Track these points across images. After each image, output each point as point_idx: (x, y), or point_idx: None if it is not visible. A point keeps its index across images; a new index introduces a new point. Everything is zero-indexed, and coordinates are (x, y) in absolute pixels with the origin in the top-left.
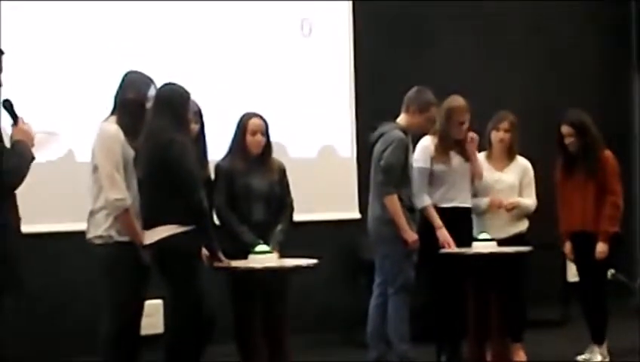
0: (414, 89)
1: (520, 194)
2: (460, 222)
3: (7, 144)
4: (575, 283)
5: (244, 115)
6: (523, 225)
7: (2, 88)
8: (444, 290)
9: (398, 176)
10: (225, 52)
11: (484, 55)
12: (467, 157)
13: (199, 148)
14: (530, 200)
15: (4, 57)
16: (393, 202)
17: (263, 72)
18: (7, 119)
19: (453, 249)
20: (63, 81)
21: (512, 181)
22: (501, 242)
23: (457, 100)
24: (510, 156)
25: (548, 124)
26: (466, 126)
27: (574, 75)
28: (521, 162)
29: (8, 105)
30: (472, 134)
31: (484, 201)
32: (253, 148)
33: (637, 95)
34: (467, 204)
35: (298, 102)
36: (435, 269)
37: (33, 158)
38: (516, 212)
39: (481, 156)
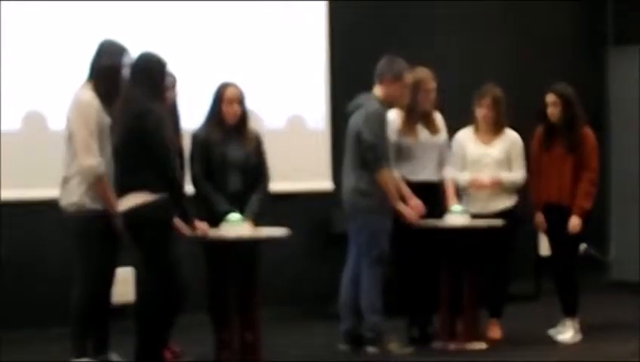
0: (384, 59)
1: (509, 168)
2: (429, 195)
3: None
4: (548, 258)
5: (220, 85)
6: (510, 201)
7: None
8: (417, 263)
9: (385, 149)
10: (199, 21)
11: (460, 28)
12: (434, 130)
13: (173, 118)
14: (516, 174)
15: None
16: (384, 177)
17: (239, 42)
18: None
19: (419, 221)
20: (37, 49)
21: (499, 155)
22: (488, 218)
23: (423, 71)
24: (497, 130)
25: (523, 98)
26: (433, 96)
27: (550, 48)
28: (510, 135)
29: None
30: None
31: (464, 178)
32: (229, 117)
33: (612, 69)
34: (435, 177)
35: (272, 72)
36: (407, 242)
37: None
38: (501, 187)
39: (468, 130)
